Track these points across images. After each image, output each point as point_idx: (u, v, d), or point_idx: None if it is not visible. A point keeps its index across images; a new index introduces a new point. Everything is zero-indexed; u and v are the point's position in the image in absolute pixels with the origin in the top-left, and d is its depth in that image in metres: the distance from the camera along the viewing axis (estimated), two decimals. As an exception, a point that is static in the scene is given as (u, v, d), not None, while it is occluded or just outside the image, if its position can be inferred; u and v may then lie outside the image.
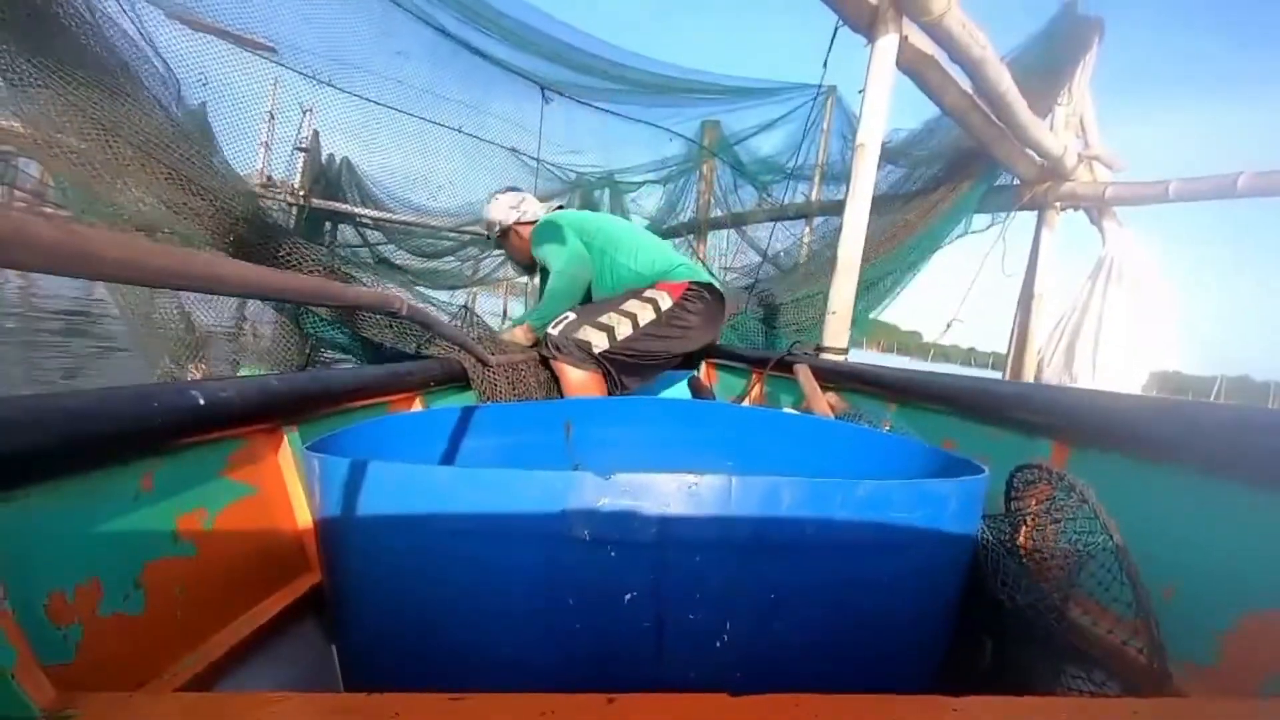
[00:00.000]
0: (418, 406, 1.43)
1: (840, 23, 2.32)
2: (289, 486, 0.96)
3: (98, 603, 0.61)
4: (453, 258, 5.30)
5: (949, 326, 4.48)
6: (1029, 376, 3.99)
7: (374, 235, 5.35)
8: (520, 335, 2.09)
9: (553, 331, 1.95)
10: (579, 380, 1.92)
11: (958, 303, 4.35)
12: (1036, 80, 3.40)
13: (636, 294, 2.05)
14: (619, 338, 1.95)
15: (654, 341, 2.03)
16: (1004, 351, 4.40)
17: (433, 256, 5.31)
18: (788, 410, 1.72)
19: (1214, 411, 0.79)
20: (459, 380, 1.61)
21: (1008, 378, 4.18)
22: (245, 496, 0.87)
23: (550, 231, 2.19)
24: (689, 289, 2.08)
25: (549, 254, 2.15)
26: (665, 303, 2.05)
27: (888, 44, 2.24)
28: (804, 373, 1.97)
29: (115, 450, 0.67)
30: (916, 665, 0.66)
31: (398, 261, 4.91)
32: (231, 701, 0.48)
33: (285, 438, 0.97)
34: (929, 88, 2.80)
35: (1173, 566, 0.78)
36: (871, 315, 3.90)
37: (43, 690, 0.44)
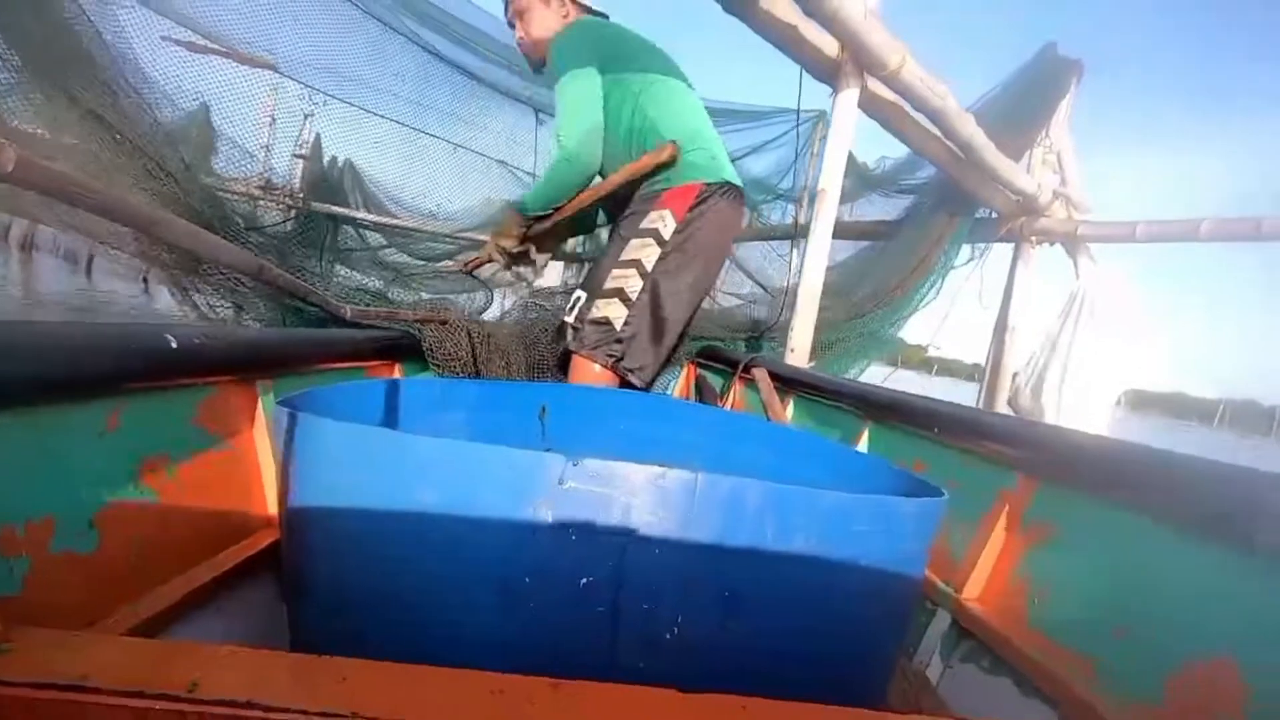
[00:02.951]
0: (396, 374, 1.41)
1: (804, 72, 2.41)
2: (257, 440, 0.95)
3: (49, 538, 0.60)
4: (451, 263, 5.35)
5: (926, 350, 4.58)
6: (1000, 406, 4.07)
7: (374, 238, 5.39)
8: (510, 223, 1.79)
9: (568, 319, 1.67)
10: (588, 376, 1.64)
11: (935, 330, 4.45)
12: (1015, 121, 3.49)
13: (634, 224, 1.64)
14: (632, 297, 1.60)
15: (671, 298, 1.63)
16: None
17: (432, 260, 5.35)
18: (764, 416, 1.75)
19: (1175, 461, 0.82)
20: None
21: (982, 405, 4.27)
22: (212, 447, 0.86)
23: (575, 50, 1.67)
24: (701, 194, 1.62)
25: (563, 97, 1.65)
26: (668, 226, 1.60)
27: (848, 97, 2.34)
28: (763, 377, 1.98)
29: (82, 386, 0.65)
30: (865, 680, 0.67)
31: (397, 264, 4.96)
32: (176, 650, 0.47)
33: (258, 391, 0.95)
34: (898, 133, 2.90)
35: (1127, 607, 0.80)
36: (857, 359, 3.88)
37: None
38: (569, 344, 1.65)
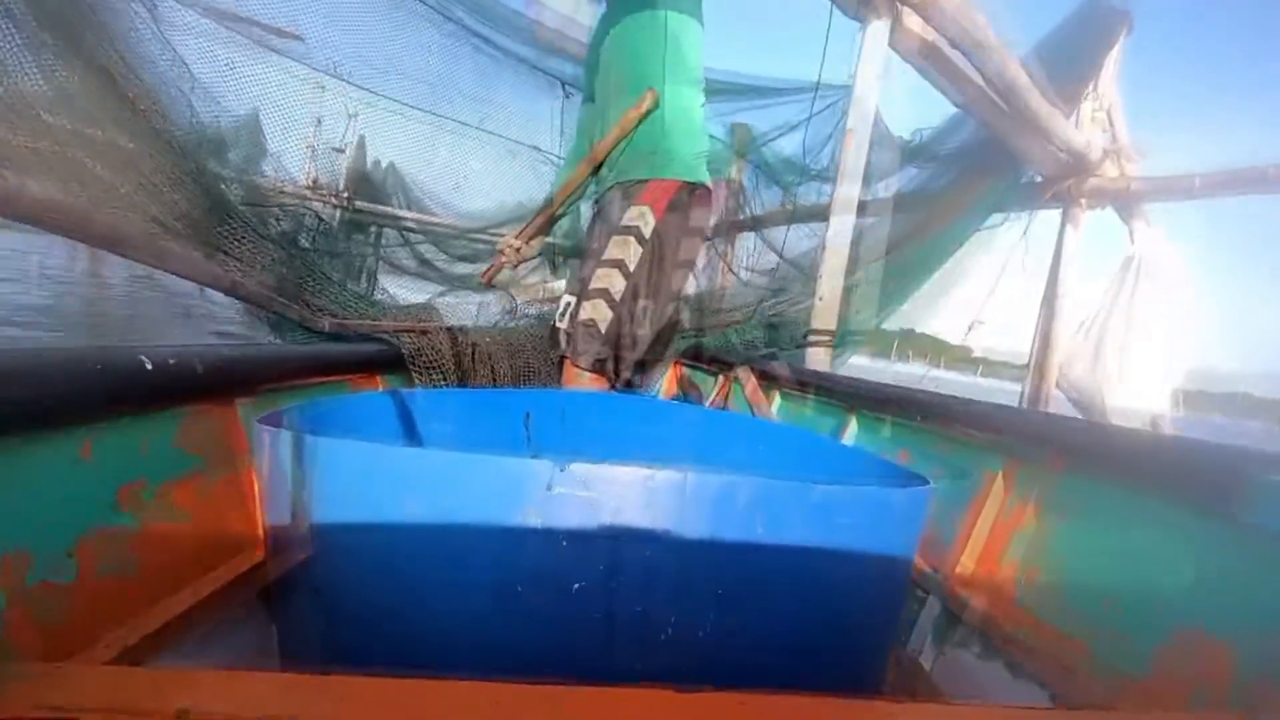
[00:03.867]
0: (379, 387, 1.41)
1: (834, 9, 2.30)
2: (238, 460, 0.94)
3: (25, 572, 0.60)
4: (483, 263, 5.36)
5: (970, 328, 4.37)
6: (1052, 380, 3.86)
7: (413, 236, 5.44)
8: (510, 239, 1.87)
9: (561, 325, 1.67)
10: (587, 384, 1.64)
11: (981, 304, 4.25)
12: (1060, 75, 3.30)
13: (616, 217, 1.63)
14: (617, 297, 1.61)
15: (652, 297, 1.64)
16: (1021, 349, 4.27)
17: (469, 259, 5.39)
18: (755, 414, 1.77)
19: (1154, 440, 0.84)
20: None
21: (1030, 381, 4.05)
22: (192, 469, 0.85)
23: None
24: (679, 192, 1.63)
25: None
26: (649, 225, 1.60)
27: (880, 28, 2.21)
28: (747, 374, 2.00)
29: (54, 414, 0.64)
30: (859, 670, 0.67)
31: (438, 264, 5.00)
32: (163, 677, 0.47)
33: (238, 410, 0.94)
34: (935, 77, 2.75)
35: (1114, 582, 0.80)
36: (884, 322, 3.81)
37: None
38: (563, 349, 1.66)
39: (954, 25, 2.30)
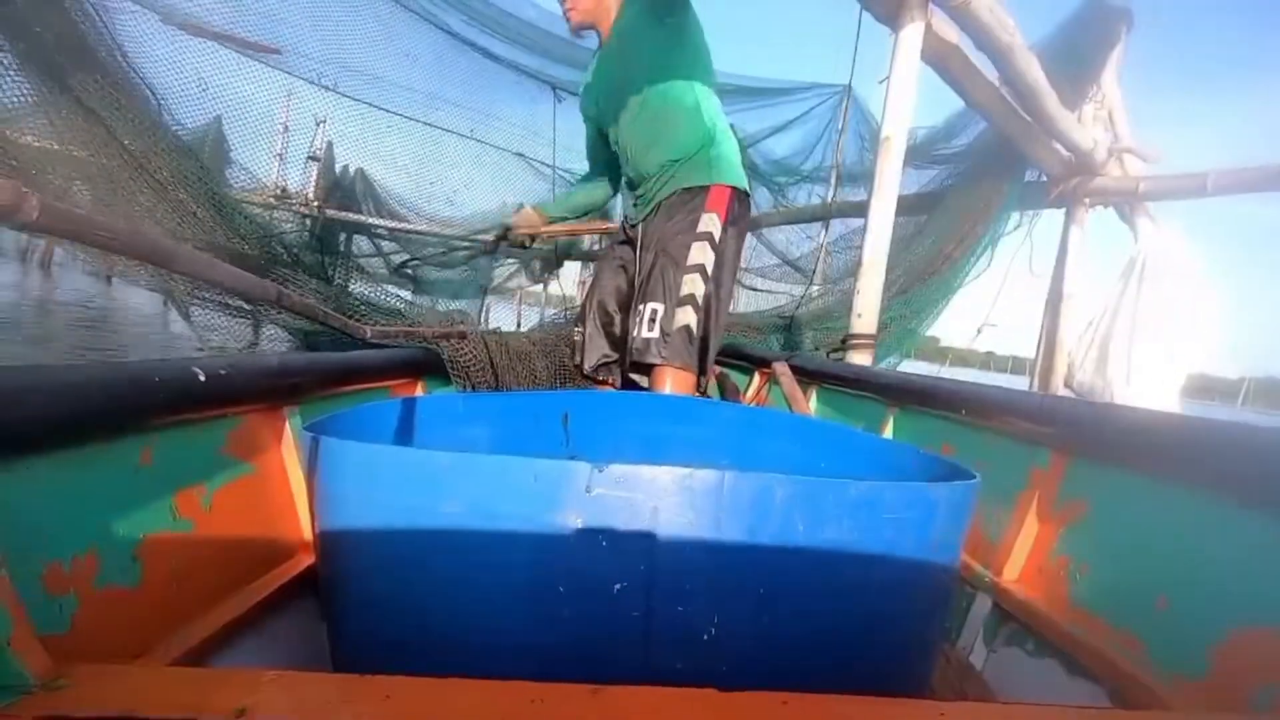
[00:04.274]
0: (419, 392, 1.46)
1: (863, 13, 2.23)
2: (288, 467, 0.97)
3: (94, 575, 0.62)
4: (466, 267, 5.27)
5: (979, 331, 4.35)
6: (1059, 380, 3.85)
7: (387, 245, 5.36)
8: (531, 214, 1.94)
9: (651, 334, 1.62)
10: (678, 385, 1.62)
11: (988, 306, 4.23)
12: (1064, 73, 3.29)
13: (689, 225, 1.63)
14: (702, 304, 1.61)
15: (721, 300, 1.67)
16: (1023, 356, 4.29)
17: (446, 266, 5.30)
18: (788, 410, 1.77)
19: (1211, 429, 0.79)
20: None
21: (1036, 381, 4.04)
22: (244, 475, 0.88)
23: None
24: (735, 198, 1.66)
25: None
26: (717, 229, 1.63)
27: (913, 32, 2.15)
28: (784, 371, 1.96)
29: (115, 424, 0.67)
30: (906, 668, 0.66)
31: (411, 271, 4.91)
32: (222, 677, 0.49)
33: (286, 418, 0.98)
34: (953, 79, 2.70)
35: (1167, 578, 0.79)
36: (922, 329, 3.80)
37: (37, 659, 0.44)
38: (654, 356, 1.64)
39: (985, 28, 2.25)
